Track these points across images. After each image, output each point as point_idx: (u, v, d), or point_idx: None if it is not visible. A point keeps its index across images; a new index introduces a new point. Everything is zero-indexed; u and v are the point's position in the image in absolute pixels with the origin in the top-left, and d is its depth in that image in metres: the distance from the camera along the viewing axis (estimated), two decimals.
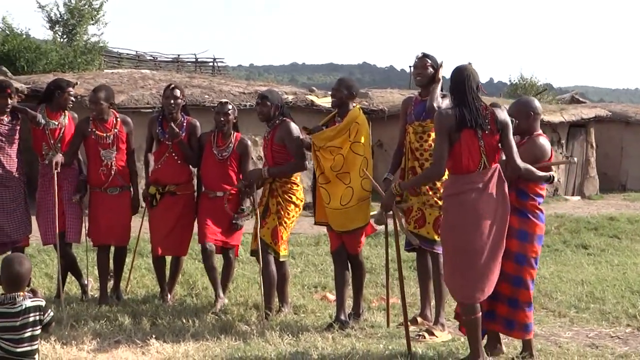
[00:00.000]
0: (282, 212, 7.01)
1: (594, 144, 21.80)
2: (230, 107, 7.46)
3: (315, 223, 7.14)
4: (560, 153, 20.62)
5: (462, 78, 5.49)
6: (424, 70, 6.65)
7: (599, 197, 21.00)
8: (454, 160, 5.42)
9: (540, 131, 6.07)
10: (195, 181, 7.67)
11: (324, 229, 7.64)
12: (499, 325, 5.89)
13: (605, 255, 11.45)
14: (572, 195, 20.75)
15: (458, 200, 5.45)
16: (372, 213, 6.75)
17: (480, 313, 5.53)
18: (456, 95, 5.49)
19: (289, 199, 7.06)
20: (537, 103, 6.11)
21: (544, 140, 5.97)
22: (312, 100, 16.75)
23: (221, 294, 7.41)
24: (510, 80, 43.95)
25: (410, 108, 6.87)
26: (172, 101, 7.42)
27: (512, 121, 5.62)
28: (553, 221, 13.52)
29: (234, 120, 7.45)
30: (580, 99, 32.96)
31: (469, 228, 5.42)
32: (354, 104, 6.96)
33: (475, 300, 5.50)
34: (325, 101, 16.12)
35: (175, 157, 7.44)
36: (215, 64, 38.81)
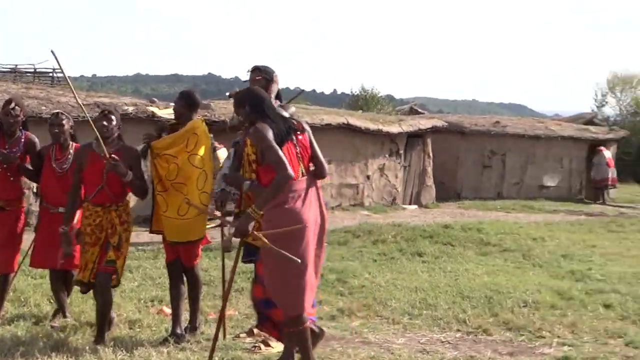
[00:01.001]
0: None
1: (431, 154, 22.43)
2: (64, 117, 7.25)
3: (151, 231, 7.00)
4: (399, 163, 21.16)
5: (256, 99, 5.66)
6: (256, 83, 6.68)
7: (435, 205, 21.61)
8: None
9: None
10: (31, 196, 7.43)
11: (160, 242, 7.54)
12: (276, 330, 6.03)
13: (439, 262, 11.78)
14: (410, 204, 21.28)
15: (284, 210, 5.47)
16: (225, 238, 6.66)
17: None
18: (259, 114, 5.59)
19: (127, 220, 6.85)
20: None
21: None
22: (153, 112, 16.51)
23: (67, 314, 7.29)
24: (352, 92, 44.76)
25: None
26: (11, 120, 7.16)
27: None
28: (390, 230, 13.82)
29: (71, 131, 7.24)
30: (419, 110, 33.98)
31: (298, 237, 5.46)
32: (197, 116, 6.92)
33: (306, 310, 5.57)
34: (167, 112, 15.92)
35: (8, 173, 7.18)
36: (55, 74, 37.71)
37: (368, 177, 20.12)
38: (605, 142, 27.28)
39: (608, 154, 26.24)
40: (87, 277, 6.58)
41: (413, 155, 21.74)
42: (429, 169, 22.25)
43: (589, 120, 31.37)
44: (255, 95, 5.76)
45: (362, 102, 40.84)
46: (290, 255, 5.32)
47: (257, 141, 5.50)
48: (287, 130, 5.57)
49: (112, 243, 6.53)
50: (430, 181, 22.24)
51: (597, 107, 45.22)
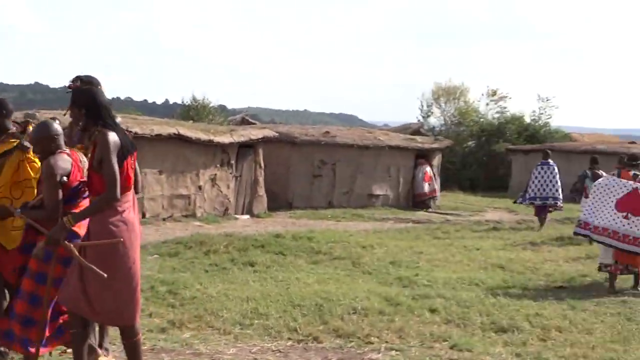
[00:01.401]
0: None
1: (262, 164, 22.52)
2: None
3: None
4: (230, 173, 21.12)
5: (98, 105, 5.50)
6: None
7: (267, 215, 21.70)
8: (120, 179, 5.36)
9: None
10: None
11: None
12: (17, 344, 5.88)
13: (271, 271, 11.82)
14: (242, 214, 21.28)
15: (122, 219, 5.41)
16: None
17: None
18: (100, 121, 5.45)
19: None
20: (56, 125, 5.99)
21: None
22: None
23: None
24: (183, 102, 44.33)
25: (74, 130, 6.71)
26: None
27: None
28: (222, 240, 13.76)
29: None
30: (251, 120, 34.00)
31: (135, 246, 5.45)
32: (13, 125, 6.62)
33: (137, 319, 5.52)
34: None
35: None
36: None
37: (200, 187, 19.98)
38: (431, 152, 28.20)
39: (427, 168, 27.13)
40: None
41: (245, 165, 21.76)
42: (261, 179, 22.33)
43: (416, 130, 32.41)
44: (98, 101, 5.54)
45: (194, 112, 40.48)
46: (96, 269, 5.22)
47: (102, 148, 5.35)
48: (131, 144, 5.51)
49: None
50: (262, 191, 22.32)
51: (423, 117, 46.66)
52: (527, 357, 7.30)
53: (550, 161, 19.69)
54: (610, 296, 10.59)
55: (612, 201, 11.22)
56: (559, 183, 19.37)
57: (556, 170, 19.43)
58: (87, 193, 5.74)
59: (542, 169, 19.54)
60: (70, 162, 5.79)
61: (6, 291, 6.53)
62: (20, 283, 5.89)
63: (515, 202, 21.33)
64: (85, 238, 5.52)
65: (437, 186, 28.30)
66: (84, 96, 5.57)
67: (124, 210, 5.44)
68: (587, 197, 16.46)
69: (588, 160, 18.13)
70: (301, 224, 19.26)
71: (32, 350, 5.76)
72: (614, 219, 11.12)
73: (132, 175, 5.55)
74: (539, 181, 19.41)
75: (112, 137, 5.37)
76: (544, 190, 19.37)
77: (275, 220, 20.69)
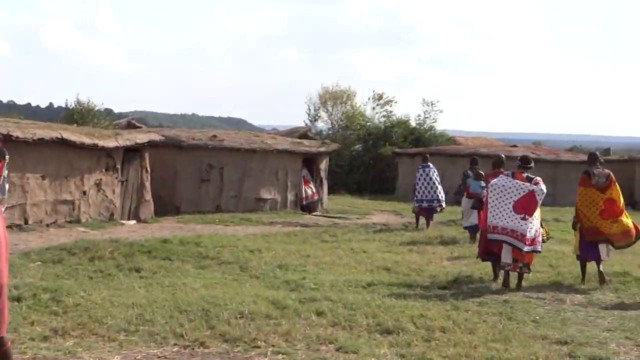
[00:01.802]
0: None
1: (149, 168, 22.24)
2: None
3: None
4: (116, 178, 20.79)
5: None
6: None
7: (154, 220, 21.44)
8: None
9: None
10: None
11: None
12: None
13: (157, 277, 11.67)
14: (128, 219, 20.97)
15: None
16: None
17: None
18: None
19: None
20: None
21: None
22: None
23: None
24: (67, 105, 43.36)
25: None
26: None
27: None
28: (107, 246, 13.53)
29: None
30: (137, 124, 33.57)
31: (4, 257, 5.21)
32: None
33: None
34: None
35: None
36: None
37: (84, 192, 19.59)
38: (318, 155, 28.40)
39: (305, 172, 27.39)
40: None
41: (131, 169, 21.46)
42: (147, 184, 22.06)
43: (303, 134, 32.60)
44: None
45: (78, 116, 39.64)
46: None
47: None
48: (1, 151, 5.38)
49: None
50: (148, 196, 22.05)
51: (311, 121, 47.00)
52: (411, 358, 7.41)
53: (430, 164, 20.57)
54: (492, 295, 10.88)
55: (510, 203, 11.69)
56: (440, 185, 19.96)
57: (436, 172, 20.01)
58: None
59: (423, 171, 20.41)
60: None
61: None
62: None
63: (414, 212, 21.75)
64: None
65: (323, 189, 28.53)
66: None
67: None
68: (469, 196, 17.00)
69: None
70: (189, 229, 19.11)
71: None
72: (512, 220, 11.63)
73: (1, 173, 5.43)
74: (422, 185, 20.22)
75: None
76: (429, 193, 20.14)
77: (163, 225, 20.46)
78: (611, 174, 12.37)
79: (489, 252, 12.13)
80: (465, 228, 17.78)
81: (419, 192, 20.31)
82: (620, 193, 12.40)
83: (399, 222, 22.41)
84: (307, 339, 8.01)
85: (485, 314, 9.66)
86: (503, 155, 16.35)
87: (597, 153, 13.03)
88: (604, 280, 11.91)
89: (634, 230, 12.27)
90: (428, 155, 22.01)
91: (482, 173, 16.94)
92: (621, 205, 12.31)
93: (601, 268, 12.06)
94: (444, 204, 20.34)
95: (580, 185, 12.38)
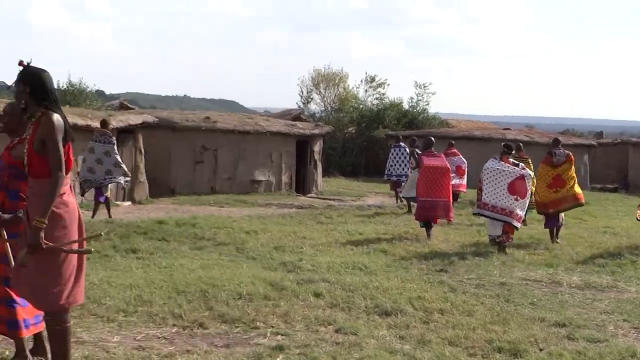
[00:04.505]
0: None
1: (143, 150, 22.18)
2: None
3: None
4: None
5: (45, 85, 5.41)
6: None
7: (149, 201, 21.41)
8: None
9: None
10: None
11: None
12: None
13: (154, 258, 11.66)
14: (123, 200, 20.91)
15: (62, 201, 5.36)
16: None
17: None
18: (48, 102, 5.38)
19: None
20: None
21: None
22: None
23: None
24: (59, 86, 43.22)
25: None
26: None
27: None
28: (103, 227, 13.51)
29: None
30: (130, 106, 33.46)
31: (73, 228, 5.43)
32: None
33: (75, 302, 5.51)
34: None
35: None
36: None
37: (78, 174, 19.50)
38: (312, 138, 28.38)
39: None
40: None
41: (124, 151, 21.34)
42: (141, 165, 22.00)
43: (296, 116, 32.60)
44: (45, 81, 5.44)
45: (70, 97, 39.50)
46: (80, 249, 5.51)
47: (47, 131, 5.27)
48: (71, 130, 5.44)
49: None
50: (143, 177, 22.00)
51: (303, 103, 46.97)
52: (410, 340, 7.42)
53: (402, 144, 22.53)
54: (489, 278, 10.89)
55: (505, 185, 13.30)
56: (408, 163, 21.22)
57: (407, 151, 21.43)
58: None
59: (396, 150, 22.51)
60: None
61: None
62: None
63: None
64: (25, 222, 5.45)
65: (317, 172, 28.55)
66: (33, 76, 5.42)
67: (64, 193, 5.38)
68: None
69: (465, 145, 18.97)
70: (184, 211, 19.08)
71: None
72: (506, 200, 13.29)
73: (72, 158, 5.46)
74: (393, 161, 22.44)
75: (57, 119, 5.31)
76: (398, 168, 22.27)
77: (158, 206, 20.42)
78: (570, 154, 15.23)
79: (427, 218, 15.06)
80: (405, 197, 20.09)
81: (389, 168, 22.57)
82: (574, 171, 15.19)
83: (393, 204, 22.39)
84: (305, 320, 8.02)
85: (483, 296, 9.68)
86: (432, 138, 17.16)
87: (559, 138, 16.51)
88: (555, 241, 14.64)
89: (576, 197, 15.06)
90: (400, 137, 24.33)
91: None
92: (567, 179, 14.96)
93: (560, 232, 15.08)
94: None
95: (541, 162, 15.29)
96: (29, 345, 6.10)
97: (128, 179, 17.20)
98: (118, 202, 20.47)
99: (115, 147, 16.70)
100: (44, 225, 5.21)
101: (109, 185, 16.69)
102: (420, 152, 16.87)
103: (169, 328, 7.56)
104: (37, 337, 6.10)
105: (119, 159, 16.61)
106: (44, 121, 5.31)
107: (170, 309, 8.15)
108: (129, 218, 15.99)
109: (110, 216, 16.21)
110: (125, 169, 16.86)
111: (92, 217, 15.82)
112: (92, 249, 5.60)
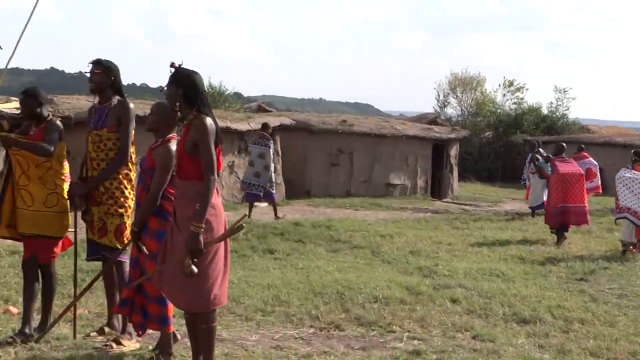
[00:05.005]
0: None
1: (280, 152, 22.48)
2: None
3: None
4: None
5: (197, 88, 5.52)
6: (96, 77, 6.53)
7: (285, 203, 21.65)
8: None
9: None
10: None
11: (4, 241, 7.28)
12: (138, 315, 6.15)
13: (291, 259, 11.82)
14: (260, 201, 21.20)
15: (211, 203, 5.46)
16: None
17: None
18: (199, 105, 5.50)
19: None
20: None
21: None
22: None
23: None
24: None
25: (90, 115, 6.77)
26: None
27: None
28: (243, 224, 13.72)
29: None
30: (267, 108, 33.94)
31: (220, 231, 5.53)
32: (47, 111, 6.73)
33: (220, 304, 5.64)
34: (9, 106, 15.30)
35: None
36: None
37: (218, 174, 19.92)
38: (448, 142, 28.11)
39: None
40: None
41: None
42: (278, 167, 22.26)
43: (432, 120, 32.30)
44: (197, 83, 5.56)
45: (210, 99, 40.36)
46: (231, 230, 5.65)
47: (200, 134, 5.39)
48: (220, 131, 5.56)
49: None
50: (279, 179, 22.26)
51: (440, 107, 46.60)
52: (549, 349, 7.26)
53: (540, 149, 20.68)
54: (632, 288, 10.52)
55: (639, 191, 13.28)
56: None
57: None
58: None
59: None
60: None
61: None
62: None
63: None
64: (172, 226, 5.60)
65: (453, 176, 28.26)
66: (186, 78, 5.54)
67: (214, 195, 5.49)
68: (542, 177, 18.36)
69: (607, 152, 18.42)
70: (319, 212, 19.22)
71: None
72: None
73: (221, 161, 5.58)
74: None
75: (210, 122, 5.42)
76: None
77: (293, 208, 20.64)
78: None
79: (560, 225, 14.91)
80: (532, 208, 19.73)
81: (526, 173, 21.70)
82: None
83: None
84: (442, 325, 7.95)
85: (626, 307, 9.36)
86: (564, 144, 16.75)
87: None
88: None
89: None
90: (539, 143, 22.04)
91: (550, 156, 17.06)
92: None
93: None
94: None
95: None
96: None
97: (272, 184, 17.35)
98: (256, 204, 20.81)
99: (272, 150, 16.99)
100: (202, 230, 5.30)
101: (264, 186, 16.90)
102: (549, 158, 16.51)
103: (306, 329, 7.63)
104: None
105: (271, 163, 16.87)
106: (197, 124, 5.41)
107: (307, 310, 8.23)
108: (266, 219, 16.23)
109: (277, 216, 16.73)
110: (273, 175, 17.07)
111: (248, 217, 16.14)
112: (244, 225, 5.67)
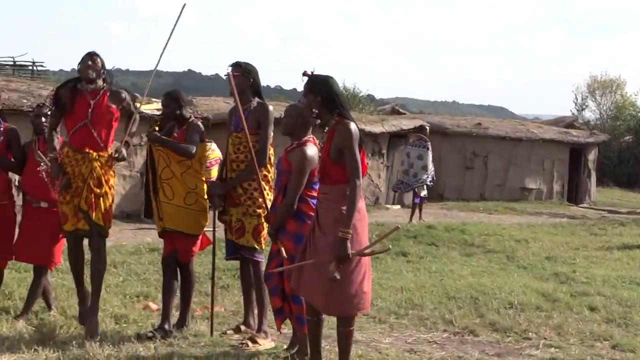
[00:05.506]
0: None
1: None
2: (47, 108, 7.21)
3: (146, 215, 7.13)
4: (382, 162, 21.14)
5: (334, 93, 5.58)
6: (235, 79, 6.58)
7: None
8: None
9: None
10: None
11: (145, 238, 7.53)
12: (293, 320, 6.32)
13: (424, 262, 11.78)
14: (393, 204, 21.26)
15: (357, 208, 5.45)
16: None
17: None
18: (340, 110, 5.55)
19: None
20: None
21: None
22: (136, 107, 16.34)
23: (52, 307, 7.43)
24: None
25: (231, 118, 6.90)
26: None
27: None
28: (374, 229, 13.72)
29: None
30: (401, 110, 33.86)
31: (365, 235, 5.53)
32: (188, 112, 6.93)
33: (364, 309, 5.67)
34: (150, 107, 15.82)
35: None
36: (35, 67, 37.35)
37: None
38: (586, 146, 27.41)
39: None
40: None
41: (396, 155, 21.72)
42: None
43: (570, 124, 31.50)
44: (334, 87, 5.60)
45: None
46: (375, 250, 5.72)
47: (345, 141, 5.41)
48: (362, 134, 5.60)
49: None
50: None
51: (578, 110, 45.49)
52: None
53: None
54: None
55: None
56: None
57: None
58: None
59: None
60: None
61: None
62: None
63: None
64: (313, 228, 5.61)
65: (591, 181, 27.52)
66: (322, 84, 5.59)
67: (360, 200, 5.49)
68: None
69: None
70: (452, 216, 19.09)
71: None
72: None
73: (365, 164, 5.62)
74: None
75: (354, 127, 5.47)
76: None
77: (426, 211, 20.41)
78: None
79: None
80: None
81: None
82: None
83: None
84: (580, 333, 7.75)
85: None
86: None
87: None
88: None
89: None
90: None
91: None
92: None
93: None
94: None
95: None
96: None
97: (430, 179, 17.37)
98: (388, 205, 20.85)
99: (430, 151, 17.04)
100: (349, 236, 5.28)
101: (424, 186, 16.98)
102: None
103: (439, 333, 7.59)
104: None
105: (429, 163, 16.92)
106: (341, 130, 5.42)
107: (440, 314, 8.18)
108: (399, 221, 16.19)
109: (412, 219, 16.74)
110: (428, 177, 17.09)
111: (410, 219, 16.36)
112: (390, 247, 5.79)
